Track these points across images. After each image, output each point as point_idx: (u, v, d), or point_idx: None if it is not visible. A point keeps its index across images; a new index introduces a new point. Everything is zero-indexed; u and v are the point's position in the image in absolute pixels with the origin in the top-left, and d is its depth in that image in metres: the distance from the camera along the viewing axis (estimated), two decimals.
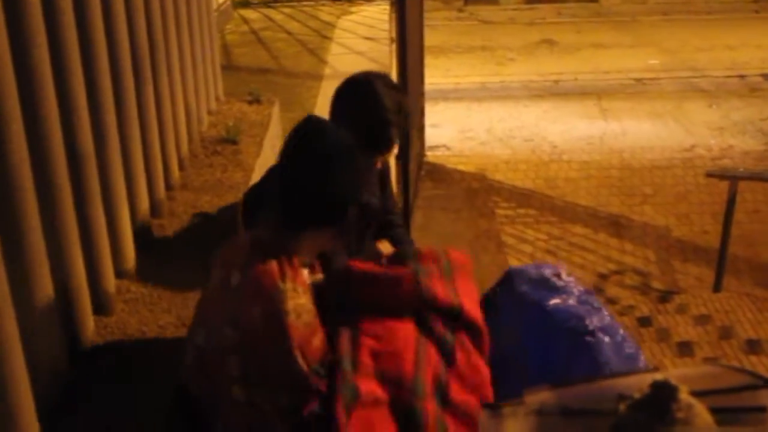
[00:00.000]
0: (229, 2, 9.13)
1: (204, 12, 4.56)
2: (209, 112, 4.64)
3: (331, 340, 2.39)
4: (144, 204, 3.48)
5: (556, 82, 12.05)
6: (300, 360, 2.20)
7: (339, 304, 2.53)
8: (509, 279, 3.15)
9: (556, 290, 3.03)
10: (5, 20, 2.37)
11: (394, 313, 2.53)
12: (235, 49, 7.86)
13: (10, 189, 2.38)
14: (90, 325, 2.87)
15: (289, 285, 2.22)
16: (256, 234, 2.40)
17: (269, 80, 6.79)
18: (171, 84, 3.90)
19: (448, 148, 10.09)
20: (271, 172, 3.07)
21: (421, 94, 9.68)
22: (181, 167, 4.06)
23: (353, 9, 9.39)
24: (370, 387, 2.31)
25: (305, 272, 2.41)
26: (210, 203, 3.75)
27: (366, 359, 2.37)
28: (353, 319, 2.49)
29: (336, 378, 2.28)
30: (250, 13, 9.31)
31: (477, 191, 8.98)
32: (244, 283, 2.25)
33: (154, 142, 3.61)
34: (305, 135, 2.37)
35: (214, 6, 8.65)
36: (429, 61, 12.21)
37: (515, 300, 3.04)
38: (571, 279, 3.12)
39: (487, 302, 3.06)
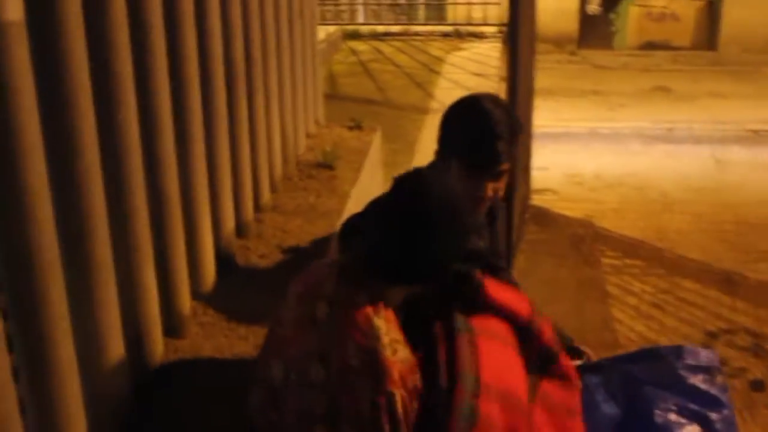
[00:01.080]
0: (338, 33, 9.06)
1: (307, 36, 4.44)
2: (307, 136, 4.50)
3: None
4: (229, 224, 3.33)
5: (670, 130, 11.68)
6: (397, 397, 2.01)
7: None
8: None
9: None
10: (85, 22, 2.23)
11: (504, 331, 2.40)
12: (341, 79, 7.75)
13: (77, 195, 2.24)
14: (159, 349, 2.71)
15: (382, 321, 2.06)
16: (345, 264, 2.22)
17: (373, 111, 6.64)
18: (267, 104, 3.77)
19: (555, 193, 9.82)
20: (373, 206, 2.90)
21: (529, 135, 9.45)
22: (274, 189, 3.91)
23: (464, 45, 9.22)
24: (490, 410, 2.17)
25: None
26: (300, 228, 3.56)
27: (488, 378, 2.22)
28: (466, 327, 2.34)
29: (454, 395, 2.13)
30: (359, 45, 9.22)
31: (583, 238, 8.70)
32: (335, 317, 2.09)
33: (244, 161, 3.47)
34: (409, 192, 2.19)
35: (323, 36, 8.59)
36: (538, 103, 11.94)
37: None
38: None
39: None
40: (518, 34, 6.92)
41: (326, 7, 10.65)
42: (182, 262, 2.88)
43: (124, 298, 2.55)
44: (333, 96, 7.18)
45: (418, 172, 2.25)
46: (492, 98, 2.83)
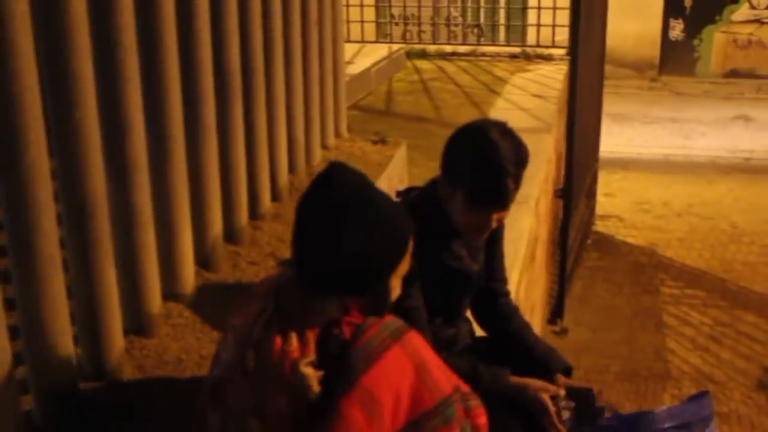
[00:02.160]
0: (402, 52, 9.03)
1: (327, 47, 4.41)
2: (325, 147, 4.46)
3: None
4: (215, 228, 3.31)
5: (747, 159, 11.41)
6: None
7: None
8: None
9: None
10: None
11: None
12: (398, 97, 7.72)
13: (21, 188, 2.25)
14: (118, 346, 2.70)
15: (309, 366, 1.95)
16: (273, 303, 2.06)
17: (424, 128, 6.60)
18: (271, 113, 3.78)
19: (621, 220, 9.66)
20: None
21: (595, 160, 9.31)
22: (277, 198, 3.88)
23: (530, 67, 9.10)
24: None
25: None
26: None
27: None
28: None
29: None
30: (424, 64, 9.18)
31: (644, 266, 8.54)
32: (262, 368, 1.97)
33: (237, 167, 3.45)
34: (315, 184, 2.03)
35: (385, 53, 8.59)
36: (613, 129, 11.87)
37: None
38: None
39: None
40: (579, 57, 6.84)
41: (398, 26, 10.65)
42: (152, 261, 2.88)
43: (78, 294, 2.56)
44: (387, 113, 7.15)
45: (330, 164, 2.07)
46: (500, 127, 2.70)
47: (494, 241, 3.00)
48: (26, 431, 2.39)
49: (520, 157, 2.65)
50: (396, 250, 2.03)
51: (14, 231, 2.30)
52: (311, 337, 1.99)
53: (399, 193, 2.94)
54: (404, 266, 2.07)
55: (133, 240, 2.78)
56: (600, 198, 9.68)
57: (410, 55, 9.40)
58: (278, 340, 1.95)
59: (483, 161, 2.59)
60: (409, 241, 2.05)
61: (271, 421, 1.94)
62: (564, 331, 7.24)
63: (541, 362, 2.91)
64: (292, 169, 4.04)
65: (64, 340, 2.46)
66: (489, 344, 3.05)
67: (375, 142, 4.68)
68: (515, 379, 2.77)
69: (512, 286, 4.17)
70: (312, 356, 1.97)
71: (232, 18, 3.36)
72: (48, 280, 2.35)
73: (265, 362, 1.95)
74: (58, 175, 2.43)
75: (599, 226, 9.41)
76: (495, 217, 2.68)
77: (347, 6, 9.72)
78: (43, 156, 2.27)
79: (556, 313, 7.41)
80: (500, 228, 2.97)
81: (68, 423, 2.50)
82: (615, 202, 10.06)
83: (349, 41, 9.17)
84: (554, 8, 9.32)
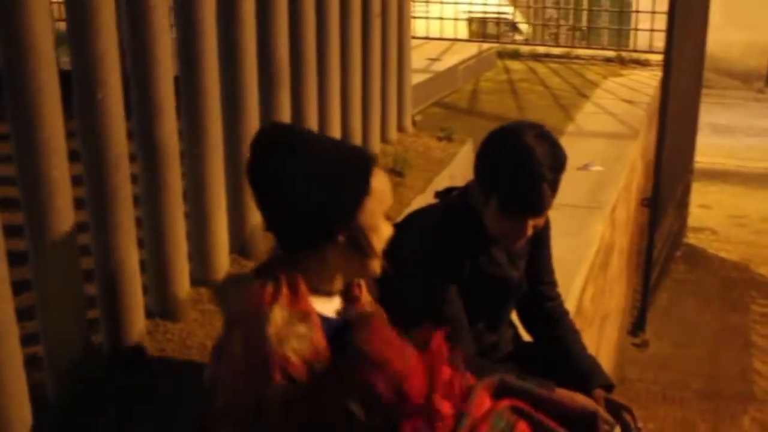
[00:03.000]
0: (492, 51, 8.89)
1: (391, 39, 4.32)
2: (386, 141, 4.36)
3: None
4: (255, 217, 3.25)
5: None
6: (280, 390, 1.82)
7: None
8: None
9: None
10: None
11: None
12: (483, 96, 7.58)
13: (36, 164, 2.22)
14: (138, 329, 2.68)
15: (277, 309, 1.86)
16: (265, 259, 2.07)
17: None
18: (323, 103, 3.75)
19: (714, 233, 9.35)
20: (415, 214, 2.75)
21: (688, 171, 9.02)
22: None
23: (624, 71, 8.87)
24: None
25: (325, 301, 2.01)
26: None
27: None
28: None
29: None
30: (515, 64, 9.02)
31: (735, 282, 8.23)
32: (232, 308, 2.00)
33: None
34: (255, 139, 1.97)
35: (474, 52, 8.46)
36: (713, 140, 11.53)
37: None
38: None
39: None
40: (672, 62, 6.61)
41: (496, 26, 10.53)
42: (180, 245, 2.86)
43: (99, 275, 2.55)
44: (468, 111, 7.02)
45: (259, 127, 2.11)
46: (535, 130, 2.54)
47: (540, 244, 2.85)
48: (40, 409, 2.37)
49: (558, 161, 2.49)
50: (343, 189, 1.92)
51: (29, 209, 2.28)
52: (284, 284, 1.92)
53: (438, 194, 2.83)
54: (376, 203, 1.95)
55: (161, 223, 2.76)
56: (694, 209, 9.37)
57: (502, 55, 9.27)
58: (257, 285, 1.91)
59: (517, 166, 2.45)
60: (361, 176, 1.93)
61: (227, 360, 1.87)
62: (645, 344, 7.03)
63: (582, 375, 2.75)
64: None
65: (79, 318, 2.45)
66: (532, 351, 2.92)
67: (440, 139, 4.54)
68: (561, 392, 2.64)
69: (575, 293, 4.01)
70: (289, 295, 1.91)
71: (281, 4, 3.30)
72: (62, 258, 2.32)
73: (239, 306, 1.93)
74: (82, 155, 2.41)
75: (691, 239, 9.12)
76: (531, 223, 2.54)
77: (441, 3, 9.65)
78: (59, 133, 2.24)
79: (638, 324, 7.19)
80: (546, 230, 2.82)
81: (82, 401, 2.47)
82: (710, 214, 9.74)
83: (441, 39, 9.11)
84: (653, 12, 9.05)
